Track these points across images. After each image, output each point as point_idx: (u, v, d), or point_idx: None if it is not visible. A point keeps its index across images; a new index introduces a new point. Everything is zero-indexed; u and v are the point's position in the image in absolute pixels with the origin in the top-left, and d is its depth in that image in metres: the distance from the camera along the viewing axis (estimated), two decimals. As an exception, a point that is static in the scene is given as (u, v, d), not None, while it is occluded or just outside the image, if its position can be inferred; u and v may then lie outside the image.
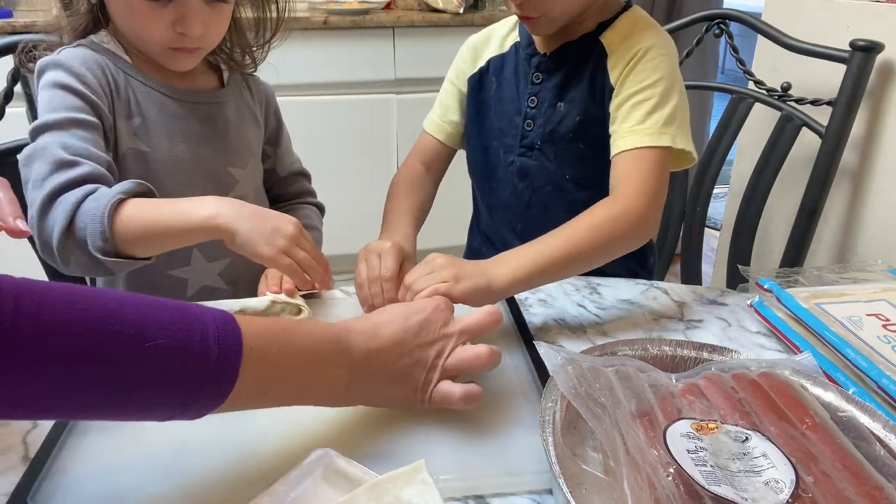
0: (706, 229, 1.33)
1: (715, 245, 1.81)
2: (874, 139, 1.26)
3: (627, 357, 0.63)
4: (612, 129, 0.88)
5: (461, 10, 2.16)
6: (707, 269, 1.71)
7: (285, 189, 1.03)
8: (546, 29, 0.90)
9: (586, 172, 0.95)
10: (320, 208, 1.06)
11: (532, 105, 0.96)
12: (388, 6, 2.25)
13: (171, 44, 0.78)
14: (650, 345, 0.66)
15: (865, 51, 1.11)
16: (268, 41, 0.92)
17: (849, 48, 1.12)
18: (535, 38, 0.96)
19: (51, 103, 0.75)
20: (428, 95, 2.27)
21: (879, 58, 1.14)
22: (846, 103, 1.14)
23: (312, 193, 1.06)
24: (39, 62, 0.80)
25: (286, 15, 0.90)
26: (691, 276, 1.33)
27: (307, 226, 0.93)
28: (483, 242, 1.12)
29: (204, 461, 0.56)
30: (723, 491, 0.46)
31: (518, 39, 0.99)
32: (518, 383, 0.67)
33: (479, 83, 1.02)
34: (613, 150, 0.86)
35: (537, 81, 0.95)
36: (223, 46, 0.91)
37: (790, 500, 0.46)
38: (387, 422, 0.61)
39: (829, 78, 1.15)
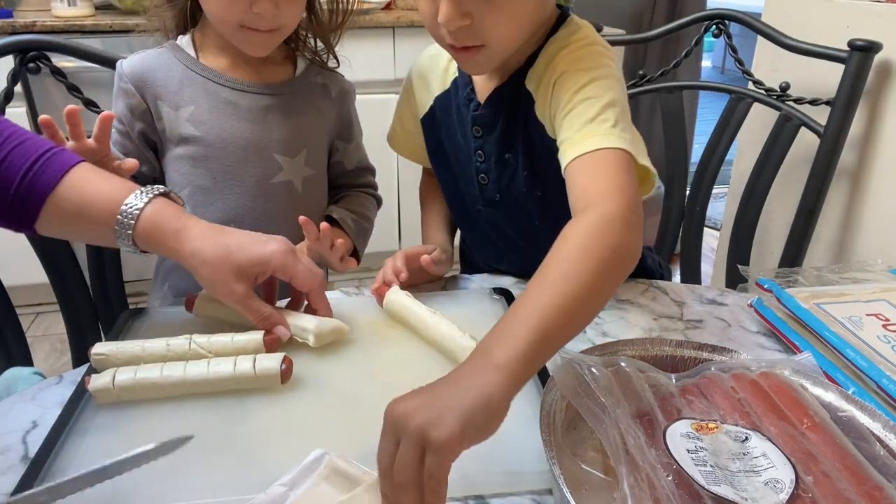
0: (706, 229, 1.34)
1: (715, 245, 1.81)
2: (873, 139, 1.26)
3: (627, 357, 0.63)
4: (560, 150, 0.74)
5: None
6: (707, 269, 1.71)
7: (351, 181, 1.07)
8: (486, 65, 0.78)
9: (553, 217, 0.73)
10: (378, 200, 1.10)
11: (481, 160, 0.88)
12: (388, 6, 2.25)
13: (247, 23, 0.84)
14: (650, 345, 0.66)
15: (864, 51, 1.11)
16: (335, 29, 0.96)
17: (847, 48, 1.12)
18: (475, 78, 0.86)
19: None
20: (427, 95, 2.28)
21: (878, 57, 1.14)
22: (845, 103, 1.14)
23: (374, 186, 1.11)
24: (118, 62, 0.92)
25: (354, 5, 0.95)
26: (691, 276, 1.33)
27: (362, 215, 1.02)
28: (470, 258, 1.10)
29: (204, 461, 0.56)
30: (723, 491, 0.46)
31: (457, 74, 0.88)
32: (518, 383, 0.67)
33: (431, 124, 0.94)
34: (563, 162, 0.71)
35: (478, 136, 0.87)
36: (299, 34, 0.96)
37: (790, 500, 0.46)
38: (387, 422, 0.61)
39: (827, 78, 1.15)
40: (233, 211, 0.93)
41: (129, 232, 0.67)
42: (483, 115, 0.85)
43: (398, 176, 2.27)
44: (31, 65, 1.00)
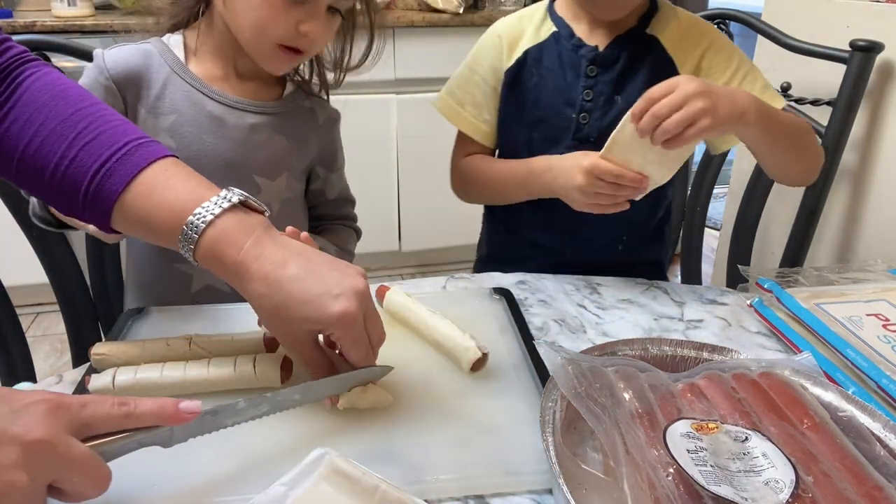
0: (706, 229, 1.34)
1: (715, 245, 1.81)
2: (874, 139, 1.26)
3: (627, 357, 0.63)
4: None
5: (461, 10, 2.16)
6: (707, 269, 1.71)
7: (330, 211, 1.04)
8: (621, 10, 0.92)
9: None
10: (357, 233, 1.06)
11: (587, 98, 0.95)
12: (388, 6, 2.25)
13: (288, 41, 0.81)
14: (650, 345, 0.66)
15: (865, 51, 1.11)
16: (345, 70, 0.95)
17: (849, 48, 1.12)
18: (579, 30, 0.96)
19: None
20: (428, 95, 2.26)
21: (879, 58, 1.14)
22: (846, 103, 1.14)
23: (354, 218, 1.07)
24: (95, 50, 0.85)
25: (374, 58, 0.95)
26: (691, 275, 1.33)
27: (344, 248, 0.99)
28: (504, 235, 1.11)
29: (204, 461, 0.56)
30: (723, 491, 0.46)
31: (555, 29, 0.98)
32: (518, 383, 0.67)
33: (518, 75, 1.00)
34: None
35: (591, 74, 0.95)
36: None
37: (790, 500, 0.46)
38: (387, 422, 0.61)
39: (829, 78, 1.15)
40: None
41: (190, 256, 0.60)
42: (602, 56, 0.95)
43: (398, 175, 2.28)
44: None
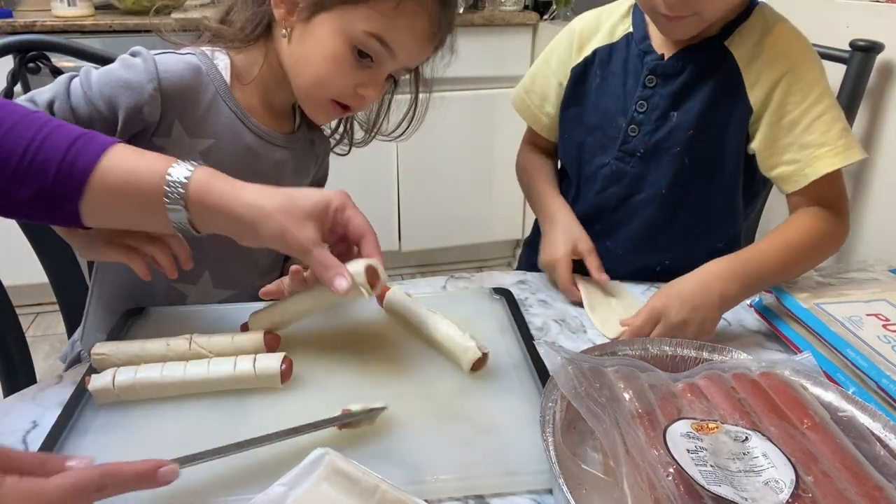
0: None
1: (715, 245, 1.80)
2: (874, 139, 1.26)
3: (627, 357, 0.63)
4: (774, 145, 0.85)
5: (461, 10, 2.16)
6: (707, 269, 1.70)
7: None
8: (691, 30, 0.83)
9: (682, 190, 0.91)
10: None
11: (641, 110, 0.90)
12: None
13: (344, 99, 0.78)
14: (650, 345, 0.66)
15: (865, 51, 1.11)
16: (376, 132, 0.93)
17: (849, 48, 1.12)
18: (653, 35, 0.90)
19: (108, 73, 0.75)
20: (427, 95, 2.27)
21: (879, 58, 1.14)
22: (846, 103, 1.14)
23: None
24: (140, 49, 0.77)
25: (413, 126, 0.91)
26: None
27: None
28: None
29: (204, 462, 0.56)
30: (723, 491, 0.46)
31: (631, 30, 0.93)
32: (518, 383, 0.67)
33: (583, 74, 0.97)
34: (807, 167, 0.82)
35: (650, 85, 0.89)
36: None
37: (790, 500, 0.46)
38: (387, 422, 0.61)
39: (829, 78, 1.15)
40: (207, 254, 0.83)
41: (181, 192, 0.63)
42: (665, 66, 0.89)
43: (398, 175, 2.27)
44: (31, 65, 1.00)
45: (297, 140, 0.88)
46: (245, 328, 0.72)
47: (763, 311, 0.81)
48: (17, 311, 1.00)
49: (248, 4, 0.80)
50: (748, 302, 0.84)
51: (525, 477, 0.56)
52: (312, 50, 0.76)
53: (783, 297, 0.78)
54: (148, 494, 0.53)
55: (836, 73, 1.14)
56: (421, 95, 0.88)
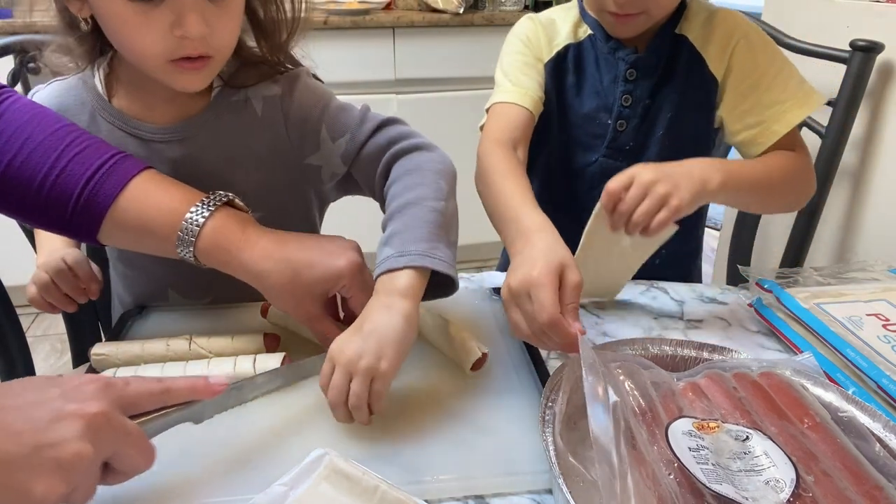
0: (706, 229, 1.33)
1: (715, 245, 1.81)
2: (874, 139, 1.26)
3: (629, 356, 0.63)
4: (736, 110, 0.89)
5: (461, 10, 2.16)
6: (707, 268, 1.71)
7: (378, 149, 0.79)
8: (640, 27, 0.87)
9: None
10: (424, 147, 0.79)
11: (626, 104, 0.92)
12: (388, 6, 2.25)
13: (172, 54, 0.66)
14: (650, 344, 0.66)
15: (865, 51, 1.11)
16: (277, 39, 0.78)
17: (849, 48, 1.12)
18: (614, 34, 0.91)
19: None
20: (428, 95, 2.27)
21: (879, 58, 1.14)
22: (846, 103, 1.14)
23: (399, 139, 0.78)
24: (32, 91, 0.79)
25: (301, 14, 0.77)
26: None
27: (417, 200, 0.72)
28: None
29: (204, 461, 0.56)
30: (724, 489, 0.46)
31: (591, 32, 0.94)
32: (518, 383, 0.67)
33: (557, 69, 0.95)
34: (775, 124, 0.85)
35: (631, 79, 0.91)
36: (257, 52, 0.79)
37: (791, 500, 0.46)
38: (387, 422, 0.61)
39: (829, 78, 1.15)
40: (143, 281, 0.82)
41: (191, 249, 0.64)
42: (643, 59, 0.90)
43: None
44: (31, 65, 1.00)
45: (210, 114, 0.77)
46: (265, 309, 0.75)
47: (763, 311, 0.81)
48: (18, 311, 1.00)
49: (63, 28, 0.73)
50: (748, 302, 0.84)
51: (525, 477, 0.56)
52: (108, 27, 0.68)
53: (783, 297, 0.78)
54: (149, 493, 0.53)
55: (836, 74, 1.14)
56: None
